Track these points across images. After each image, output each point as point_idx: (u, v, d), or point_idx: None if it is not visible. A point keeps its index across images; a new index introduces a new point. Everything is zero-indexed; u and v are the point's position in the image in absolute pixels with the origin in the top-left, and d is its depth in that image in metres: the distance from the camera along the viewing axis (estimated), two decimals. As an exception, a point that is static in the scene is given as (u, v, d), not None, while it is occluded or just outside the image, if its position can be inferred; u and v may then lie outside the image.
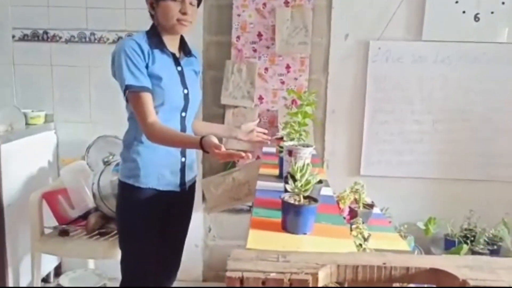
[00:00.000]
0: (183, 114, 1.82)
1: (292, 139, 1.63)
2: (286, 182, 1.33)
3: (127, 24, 2.93)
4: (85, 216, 2.72)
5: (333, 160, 2.95)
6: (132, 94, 1.65)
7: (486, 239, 2.65)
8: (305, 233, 1.19)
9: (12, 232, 2.62)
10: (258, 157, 2.91)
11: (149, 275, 1.85)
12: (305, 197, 1.21)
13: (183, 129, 1.84)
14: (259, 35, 2.83)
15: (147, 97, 1.66)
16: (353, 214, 1.72)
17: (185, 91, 1.80)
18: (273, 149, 2.27)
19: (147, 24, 2.63)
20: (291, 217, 1.18)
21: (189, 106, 1.83)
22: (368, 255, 0.97)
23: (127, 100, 1.71)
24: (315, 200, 1.21)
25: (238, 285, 0.84)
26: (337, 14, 2.87)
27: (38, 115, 2.93)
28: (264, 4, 2.80)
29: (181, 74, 1.81)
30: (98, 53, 2.97)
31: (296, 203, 1.19)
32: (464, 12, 2.79)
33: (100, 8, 2.93)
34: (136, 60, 1.66)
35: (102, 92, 3.02)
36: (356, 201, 1.82)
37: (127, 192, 1.79)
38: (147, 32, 1.78)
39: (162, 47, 1.76)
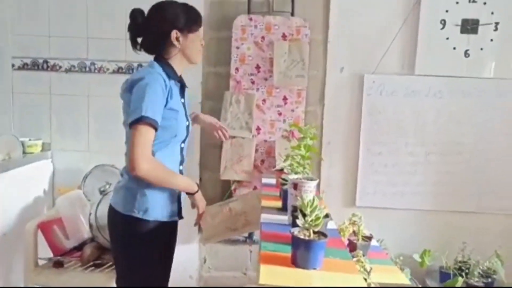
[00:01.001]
0: (182, 145, 1.86)
1: (296, 173, 1.66)
2: (294, 216, 1.35)
3: (128, 54, 2.98)
4: (80, 247, 2.69)
5: (329, 191, 2.98)
6: (142, 125, 1.62)
7: (480, 272, 2.68)
8: (315, 268, 1.20)
9: (5, 262, 2.57)
10: (255, 188, 2.93)
11: None
12: (314, 232, 1.23)
13: (182, 159, 1.88)
14: (257, 67, 2.89)
15: (153, 134, 1.66)
16: (352, 246, 1.73)
17: (187, 122, 1.85)
18: (273, 181, 2.29)
19: (146, 55, 2.71)
20: (301, 252, 1.20)
21: (187, 138, 1.87)
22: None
23: (129, 127, 1.67)
24: (324, 235, 1.23)
25: None
26: (333, 48, 2.95)
27: (35, 144, 2.92)
28: (263, 37, 2.87)
29: (184, 105, 1.85)
30: (98, 83, 3.00)
31: (307, 238, 1.21)
32: (454, 48, 2.90)
33: (101, 38, 2.98)
34: (158, 96, 1.67)
35: (101, 121, 3.03)
36: (354, 233, 1.84)
37: (133, 226, 1.76)
38: (162, 65, 1.77)
39: (176, 79, 1.80)
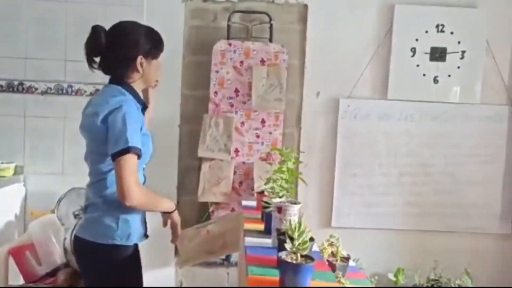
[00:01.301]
0: (144, 166, 1.82)
1: (280, 196, 1.69)
2: (281, 240, 1.38)
3: (106, 77, 2.96)
4: (53, 273, 2.62)
5: (305, 212, 3.02)
6: (129, 155, 1.58)
7: (453, 289, 2.77)
8: (303, 291, 1.23)
9: (-26, 290, 2.48)
10: (233, 209, 2.95)
11: None
12: (301, 255, 1.27)
13: (145, 179, 1.84)
14: (236, 91, 2.94)
15: (137, 162, 1.63)
16: (331, 267, 1.77)
17: (150, 143, 1.81)
18: (253, 203, 2.32)
19: None
20: (290, 276, 1.23)
21: (150, 159, 1.83)
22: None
23: (113, 159, 1.60)
24: (311, 259, 1.27)
25: None
26: (309, 73, 3.05)
27: (8, 167, 2.86)
28: (241, 62, 2.93)
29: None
30: (75, 105, 2.96)
31: (294, 262, 1.24)
32: (424, 74, 3.04)
33: (79, 61, 2.94)
34: (138, 124, 1.65)
35: (77, 144, 2.95)
36: (333, 254, 1.88)
37: (116, 254, 1.70)
38: (129, 90, 1.73)
39: (142, 102, 1.78)
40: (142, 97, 1.82)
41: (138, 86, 1.77)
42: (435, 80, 3.05)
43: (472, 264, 2.88)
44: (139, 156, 1.62)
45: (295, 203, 1.63)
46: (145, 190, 1.66)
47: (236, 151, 2.95)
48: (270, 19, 2.98)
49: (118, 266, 1.71)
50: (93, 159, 1.72)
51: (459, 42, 3.04)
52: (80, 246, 1.74)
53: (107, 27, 1.88)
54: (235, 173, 2.94)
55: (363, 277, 2.05)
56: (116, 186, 1.58)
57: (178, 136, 3.04)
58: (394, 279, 2.73)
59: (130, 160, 1.57)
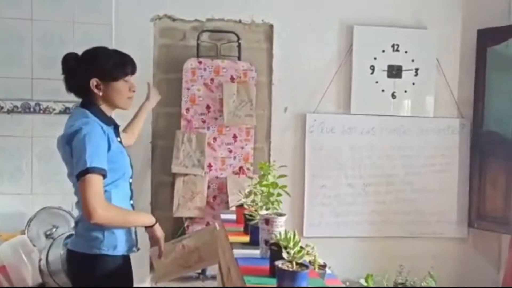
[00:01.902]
0: (130, 180, 1.91)
1: (267, 209, 1.78)
2: (272, 250, 1.47)
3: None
4: (26, 296, 2.56)
5: (277, 223, 3.12)
6: (90, 175, 1.63)
7: (418, 291, 2.96)
8: (300, 297, 1.32)
9: None
10: (207, 224, 3.00)
11: None
12: (296, 263, 1.36)
13: (132, 194, 1.92)
14: (208, 107, 3.02)
15: (102, 181, 1.67)
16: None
17: (128, 158, 1.89)
18: (232, 216, 2.38)
19: None
20: (287, 283, 1.31)
21: (132, 173, 1.92)
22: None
23: (77, 180, 1.66)
24: (306, 266, 1.36)
25: None
26: (277, 90, 3.19)
27: (-27, 188, 2.76)
28: (212, 79, 3.02)
29: (121, 144, 1.90)
30: (43, 123, 2.94)
31: (291, 269, 1.33)
32: (383, 90, 3.26)
33: (47, 79, 2.94)
34: (101, 143, 1.70)
35: (46, 163, 2.95)
36: (310, 262, 1.99)
37: (103, 264, 1.77)
38: (94, 112, 1.79)
39: (109, 122, 1.84)
40: (110, 117, 1.86)
41: (106, 107, 1.83)
42: (393, 96, 3.27)
43: (434, 267, 3.09)
44: (104, 176, 1.66)
45: (281, 215, 1.72)
46: (112, 207, 1.72)
47: (209, 166, 3.02)
48: (238, 38, 3.10)
49: (107, 275, 1.78)
50: (73, 180, 1.76)
51: (412, 60, 3.28)
52: (71, 258, 1.83)
53: (74, 46, 2.20)
54: (208, 187, 3.00)
55: (340, 283, 2.17)
56: (82, 206, 1.64)
57: (151, 153, 3.06)
58: (365, 284, 2.88)
59: (91, 180, 1.62)
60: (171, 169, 2.97)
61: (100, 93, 1.78)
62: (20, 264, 2.61)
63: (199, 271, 3.07)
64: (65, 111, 2.95)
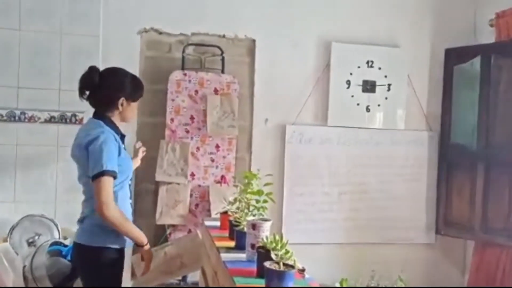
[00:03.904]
0: (130, 182, 2.17)
1: (254, 215, 1.90)
2: (260, 252, 1.59)
3: (61, 104, 3.02)
4: (9, 302, 2.58)
5: (257, 230, 3.24)
6: (105, 177, 1.90)
7: (389, 295, 3.12)
8: (286, 295, 1.45)
9: None
10: (189, 231, 3.09)
11: None
12: (283, 264, 1.48)
13: (130, 194, 2.18)
14: (192, 118, 3.13)
15: (112, 182, 1.93)
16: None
17: (132, 163, 2.19)
18: (216, 223, 2.48)
19: (80, 105, 2.80)
20: (275, 282, 1.43)
21: (133, 176, 2.25)
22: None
23: (92, 180, 1.91)
24: (292, 267, 1.49)
25: None
26: (258, 102, 3.33)
27: (-43, 195, 2.77)
28: (196, 91, 3.13)
29: (125, 150, 2.13)
30: (28, 132, 2.98)
31: (279, 269, 1.45)
32: (358, 104, 3.44)
33: (32, 88, 2.99)
34: (113, 150, 1.96)
35: (29, 171, 2.99)
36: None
37: (105, 255, 1.99)
38: (106, 122, 2.05)
39: (118, 133, 2.10)
40: (119, 128, 2.12)
41: (116, 120, 2.11)
42: (367, 109, 3.46)
43: (404, 271, 3.26)
44: (114, 177, 1.93)
45: (266, 220, 1.84)
46: (119, 210, 1.96)
47: (192, 174, 3.12)
48: (222, 52, 3.23)
49: (108, 264, 2.01)
50: (84, 181, 2.02)
51: (385, 76, 3.49)
52: (77, 250, 2.06)
53: (62, 56, 2.78)
54: (191, 195, 3.10)
55: (319, 286, 2.30)
56: (95, 201, 1.91)
57: (135, 162, 3.14)
58: (340, 287, 3.02)
59: (105, 181, 1.90)
60: (155, 178, 3.05)
61: (121, 109, 2.07)
62: (2, 271, 2.63)
63: (180, 278, 3.15)
64: (50, 120, 3.01)
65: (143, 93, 2.15)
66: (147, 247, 2.10)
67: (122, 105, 2.06)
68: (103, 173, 1.89)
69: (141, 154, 2.73)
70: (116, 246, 2.02)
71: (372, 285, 3.19)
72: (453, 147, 3.54)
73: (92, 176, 1.90)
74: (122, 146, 2.09)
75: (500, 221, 3.21)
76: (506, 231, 3.17)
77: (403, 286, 3.12)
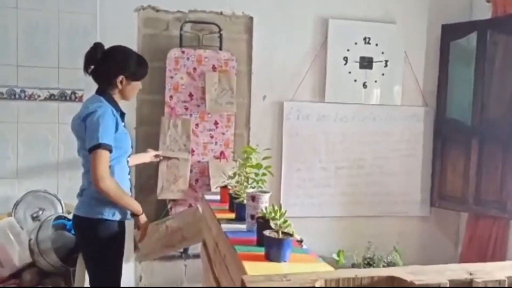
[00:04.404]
0: (128, 159, 2.23)
1: (253, 187, 1.97)
2: (260, 222, 1.65)
3: (60, 82, 3.04)
4: (17, 274, 2.66)
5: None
6: (100, 150, 1.96)
7: (384, 264, 3.23)
8: (285, 261, 1.52)
9: None
10: (190, 206, 3.16)
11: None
12: (282, 232, 1.55)
13: (129, 169, 2.25)
14: (190, 95, 3.16)
15: (108, 155, 2.00)
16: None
17: (130, 140, 2.23)
18: (216, 197, 2.55)
19: (79, 82, 2.92)
20: (274, 249, 1.50)
21: (131, 153, 2.26)
22: (343, 271, 1.34)
23: (89, 152, 1.98)
24: (290, 235, 1.56)
25: None
26: (256, 79, 3.36)
27: (-39, 172, 2.82)
28: (194, 68, 3.16)
29: (125, 128, 2.21)
30: (29, 110, 3.01)
31: (278, 237, 1.52)
32: (355, 80, 3.48)
33: (32, 66, 3.01)
34: (110, 124, 2.02)
35: (31, 148, 3.04)
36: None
37: (104, 227, 2.06)
38: (107, 98, 2.11)
39: (118, 109, 2.15)
40: (119, 105, 2.17)
41: (118, 97, 2.16)
42: (364, 85, 3.50)
43: (399, 243, 3.37)
44: (110, 151, 1.99)
45: (265, 192, 1.91)
46: (115, 182, 2.02)
47: (192, 150, 3.17)
48: (219, 29, 3.24)
49: (106, 237, 2.07)
50: (83, 154, 2.09)
51: (382, 53, 3.52)
52: (76, 222, 2.13)
53: (60, 34, 2.86)
54: (191, 171, 3.16)
55: (317, 257, 2.38)
56: (91, 173, 1.97)
57: (135, 138, 3.18)
58: (337, 258, 3.12)
59: (101, 153, 1.96)
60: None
61: (120, 87, 2.11)
62: (8, 245, 2.71)
63: (181, 250, 3.24)
64: (50, 97, 3.04)
65: (146, 73, 2.18)
66: (142, 216, 2.19)
67: (121, 83, 2.10)
68: (99, 146, 1.95)
69: (152, 158, 2.87)
70: (114, 219, 2.08)
71: (368, 255, 3.29)
72: (449, 122, 3.59)
73: (89, 148, 1.97)
74: (122, 123, 2.14)
75: (492, 193, 3.29)
76: (498, 203, 3.26)
77: (398, 257, 3.22)
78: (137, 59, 2.16)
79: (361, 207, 3.53)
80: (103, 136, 1.96)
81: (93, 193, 2.04)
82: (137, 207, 2.14)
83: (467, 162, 3.44)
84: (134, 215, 2.18)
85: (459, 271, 1.27)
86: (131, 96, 2.20)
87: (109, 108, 2.05)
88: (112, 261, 2.14)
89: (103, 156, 1.96)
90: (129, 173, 2.23)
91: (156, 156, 2.94)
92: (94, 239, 2.08)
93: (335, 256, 3.16)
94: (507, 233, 3.27)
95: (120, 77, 2.09)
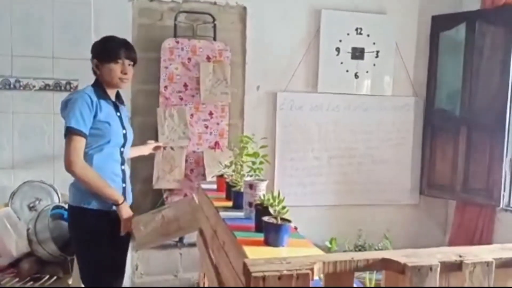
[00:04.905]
0: (122, 149, 2.21)
1: (251, 176, 2.02)
2: (258, 209, 1.71)
3: (55, 72, 3.05)
4: (15, 263, 2.69)
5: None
6: (70, 135, 1.98)
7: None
8: (283, 246, 1.57)
9: None
10: (186, 195, 3.20)
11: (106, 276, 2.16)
12: (281, 218, 1.61)
13: (123, 161, 2.22)
14: (185, 85, 3.19)
15: (81, 141, 2.00)
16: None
17: (124, 131, 2.20)
18: (212, 186, 2.60)
19: (74, 72, 2.94)
20: (273, 235, 1.56)
21: (126, 143, 2.23)
22: (340, 255, 1.40)
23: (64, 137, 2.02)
24: (289, 221, 1.61)
25: (261, 282, 1.20)
26: (250, 69, 3.39)
27: (-44, 163, 2.83)
28: (189, 59, 3.18)
29: (120, 118, 2.20)
30: (23, 100, 3.02)
31: (277, 223, 1.58)
32: (347, 71, 3.53)
33: (27, 56, 3.01)
34: (85, 110, 2.01)
35: (26, 138, 3.05)
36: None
37: (81, 215, 2.08)
38: (94, 86, 2.12)
39: (106, 98, 2.13)
40: (110, 93, 2.16)
41: (107, 87, 2.14)
42: (356, 76, 3.56)
43: (390, 230, 3.44)
44: (84, 137, 1.99)
45: (262, 180, 1.96)
46: (90, 169, 2.02)
47: (187, 140, 3.21)
48: (213, 19, 3.26)
49: (83, 226, 2.10)
50: None
51: (374, 43, 3.57)
52: (67, 210, 2.20)
53: (54, 24, 2.87)
54: (186, 161, 3.20)
55: (311, 243, 2.46)
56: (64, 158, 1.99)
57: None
58: (329, 246, 3.19)
59: (72, 139, 1.98)
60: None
61: (98, 72, 2.11)
62: (5, 235, 2.73)
63: (177, 239, 3.29)
64: (45, 87, 3.05)
65: (124, 54, 2.08)
66: (123, 206, 2.12)
67: (97, 67, 2.10)
68: (68, 130, 1.98)
69: (151, 150, 2.78)
70: (91, 207, 2.06)
71: (359, 243, 3.37)
72: (438, 112, 3.67)
73: (64, 134, 2.01)
74: (115, 112, 2.14)
75: (479, 181, 3.39)
76: (485, 191, 3.36)
77: (389, 244, 3.30)
78: (103, 39, 2.13)
79: (353, 195, 3.61)
80: (72, 121, 1.97)
81: (74, 181, 2.07)
82: (115, 196, 2.09)
83: (455, 150, 3.53)
84: (114, 204, 2.11)
85: (449, 253, 1.33)
86: (113, 80, 2.10)
87: (85, 94, 2.03)
88: (91, 251, 2.10)
89: (74, 141, 1.97)
90: (122, 164, 2.20)
91: (157, 148, 2.85)
92: (73, 228, 2.12)
93: (327, 243, 3.22)
94: (493, 220, 3.37)
95: (94, 61, 2.11)
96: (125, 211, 2.16)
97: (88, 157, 2.02)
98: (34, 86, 3.03)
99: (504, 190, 3.32)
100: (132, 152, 2.61)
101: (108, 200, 2.09)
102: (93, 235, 2.09)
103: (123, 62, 2.10)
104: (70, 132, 1.97)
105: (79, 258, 2.17)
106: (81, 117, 1.99)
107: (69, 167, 1.97)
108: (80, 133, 1.98)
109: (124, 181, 2.21)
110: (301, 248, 1.61)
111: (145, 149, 2.76)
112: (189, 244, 3.29)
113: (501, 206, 3.32)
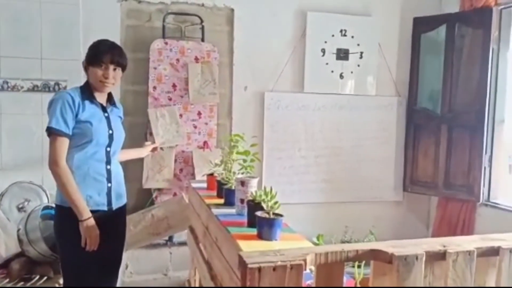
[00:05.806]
0: (108, 149, 2.19)
1: (242, 173, 2.07)
2: (250, 205, 1.77)
3: (44, 73, 3.06)
4: (4, 264, 2.69)
5: (238, 192, 3.43)
6: (52, 135, 2.03)
7: (361, 247, 3.39)
8: (276, 240, 1.64)
9: None
10: (175, 194, 3.24)
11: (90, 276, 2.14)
12: (273, 213, 1.67)
13: (108, 160, 2.19)
14: (174, 86, 3.23)
15: (63, 141, 2.03)
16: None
17: (110, 131, 2.19)
18: (203, 184, 2.64)
19: (63, 73, 2.98)
20: (266, 229, 1.62)
21: (113, 143, 2.21)
22: (331, 246, 1.47)
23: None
24: (281, 215, 1.68)
25: (257, 273, 1.26)
26: (237, 70, 3.45)
27: None
28: (177, 59, 3.22)
29: (108, 119, 2.20)
30: (12, 101, 3.02)
31: (270, 217, 1.64)
32: (332, 71, 3.61)
33: (15, 57, 3.01)
34: (65, 110, 2.03)
35: (15, 139, 3.04)
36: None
37: (64, 214, 2.09)
38: (81, 87, 2.15)
39: (91, 99, 2.14)
40: (97, 95, 2.16)
41: (96, 87, 2.15)
42: (341, 76, 3.64)
43: (375, 226, 3.52)
44: (63, 136, 2.01)
45: (253, 177, 2.02)
46: (69, 174, 2.03)
47: (176, 140, 3.24)
48: (201, 21, 3.31)
49: (61, 223, 2.15)
50: None
51: (358, 45, 3.66)
52: (54, 210, 2.22)
53: (42, 24, 2.90)
54: (175, 161, 3.23)
55: (301, 238, 2.52)
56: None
57: (120, 128, 3.23)
58: (317, 242, 3.27)
59: (52, 138, 2.03)
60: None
61: (86, 74, 2.15)
62: (-4, 236, 2.73)
63: (167, 238, 3.33)
64: (33, 89, 3.05)
65: (107, 59, 2.07)
66: (87, 221, 2.04)
67: (86, 70, 2.14)
68: (48, 130, 2.02)
69: (149, 152, 2.85)
70: (67, 205, 2.06)
71: (345, 239, 3.46)
72: (420, 111, 3.78)
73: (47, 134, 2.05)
74: (102, 113, 2.14)
75: (460, 178, 3.51)
76: (465, 187, 3.48)
77: (374, 239, 3.39)
78: (94, 42, 2.16)
79: (339, 193, 3.69)
80: (52, 121, 2.01)
81: None
82: (80, 210, 2.03)
83: (437, 148, 3.65)
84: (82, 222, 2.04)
85: (434, 243, 1.41)
86: (94, 83, 2.12)
87: (67, 94, 2.06)
88: (68, 248, 2.12)
89: (56, 141, 2.01)
90: (108, 164, 2.17)
91: (154, 149, 2.92)
92: (58, 227, 2.18)
93: (315, 239, 3.30)
94: (474, 215, 3.50)
95: (83, 62, 2.15)
96: (85, 228, 2.04)
97: (69, 156, 2.05)
98: (22, 87, 3.03)
99: (484, 186, 3.44)
100: (130, 154, 2.67)
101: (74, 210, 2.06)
102: (76, 235, 2.06)
103: (106, 67, 2.10)
104: (51, 132, 2.02)
105: (61, 257, 2.19)
106: (62, 117, 2.02)
107: (51, 166, 2.04)
108: (60, 133, 2.01)
109: (109, 180, 2.19)
110: (293, 241, 1.68)
111: (144, 151, 2.81)
112: (179, 243, 3.33)
113: (481, 201, 3.44)
